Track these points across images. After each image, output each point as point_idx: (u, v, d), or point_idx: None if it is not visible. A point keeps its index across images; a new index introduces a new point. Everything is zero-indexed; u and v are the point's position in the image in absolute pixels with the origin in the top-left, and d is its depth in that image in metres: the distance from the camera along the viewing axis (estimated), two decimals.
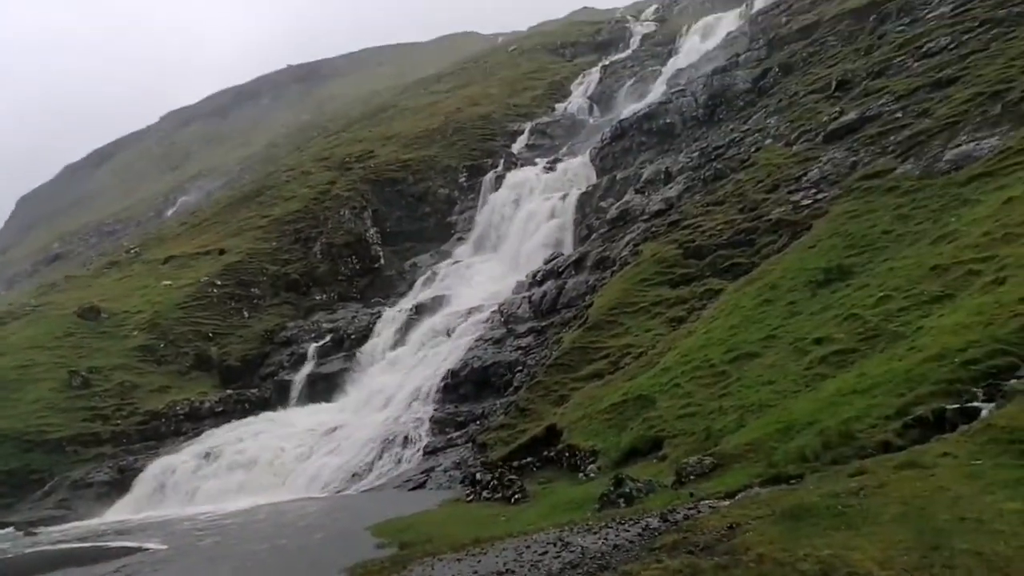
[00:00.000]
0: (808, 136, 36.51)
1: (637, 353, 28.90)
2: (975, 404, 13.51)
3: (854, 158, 32.19)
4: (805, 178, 33.23)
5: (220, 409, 43.89)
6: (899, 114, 32.87)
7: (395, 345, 43.61)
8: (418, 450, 32.19)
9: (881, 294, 21.39)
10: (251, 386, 46.43)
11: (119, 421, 42.55)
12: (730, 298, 28.17)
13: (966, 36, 34.75)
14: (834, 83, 39.21)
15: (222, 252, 57.56)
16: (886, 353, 18.15)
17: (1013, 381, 13.85)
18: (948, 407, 13.67)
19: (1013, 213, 21.34)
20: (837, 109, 36.67)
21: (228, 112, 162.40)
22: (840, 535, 9.40)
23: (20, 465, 38.81)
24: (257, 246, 57.64)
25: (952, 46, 34.78)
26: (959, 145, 28.20)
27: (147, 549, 23.87)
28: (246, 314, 52.33)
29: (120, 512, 35.27)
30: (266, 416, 41.48)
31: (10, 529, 34.09)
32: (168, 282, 54.92)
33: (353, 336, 46.54)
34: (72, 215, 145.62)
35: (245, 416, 42.50)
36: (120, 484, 37.49)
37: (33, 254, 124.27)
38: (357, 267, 57.40)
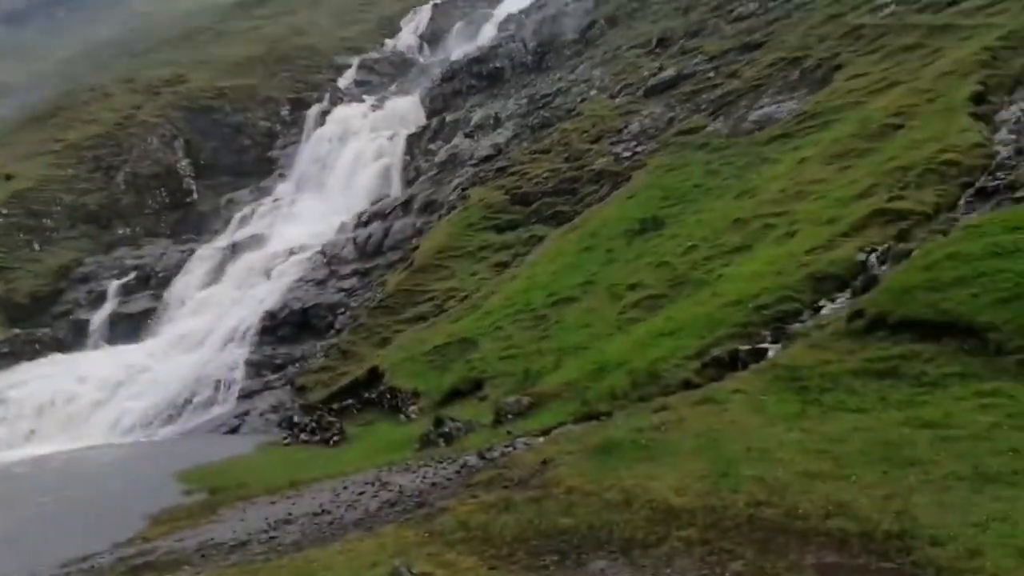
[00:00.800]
0: (630, 90, 37.77)
1: (462, 297, 29.17)
2: (764, 345, 14.75)
3: (671, 114, 33.75)
4: (626, 130, 34.47)
5: (6, 350, 39.86)
6: (711, 74, 34.73)
7: (208, 284, 41.40)
8: (232, 393, 30.99)
9: (689, 244, 22.77)
10: (42, 325, 42.51)
11: None
12: (553, 244, 28.95)
13: (771, 3, 37.09)
14: (655, 40, 40.71)
15: (8, 177, 51.79)
16: (691, 299, 19.39)
17: (796, 325, 15.23)
18: (741, 348, 14.84)
19: (805, 172, 23.26)
20: (657, 65, 38.17)
21: (21, 20, 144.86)
22: (643, 467, 10.00)
23: None
24: (51, 172, 52.33)
25: (760, 12, 37.05)
26: (762, 107, 30.27)
27: None
28: (37, 247, 47.61)
29: None
30: (60, 358, 38.28)
31: None
32: None
33: (161, 274, 43.70)
34: None
35: (36, 358, 38.95)
36: None
37: None
38: (167, 201, 53.51)
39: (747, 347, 14.85)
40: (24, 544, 14.68)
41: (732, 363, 14.56)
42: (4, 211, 48.45)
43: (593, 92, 40.10)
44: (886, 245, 16.11)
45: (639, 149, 32.69)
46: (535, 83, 46.49)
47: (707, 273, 20.72)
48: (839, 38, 31.22)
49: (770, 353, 14.15)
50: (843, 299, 15.33)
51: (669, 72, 36.65)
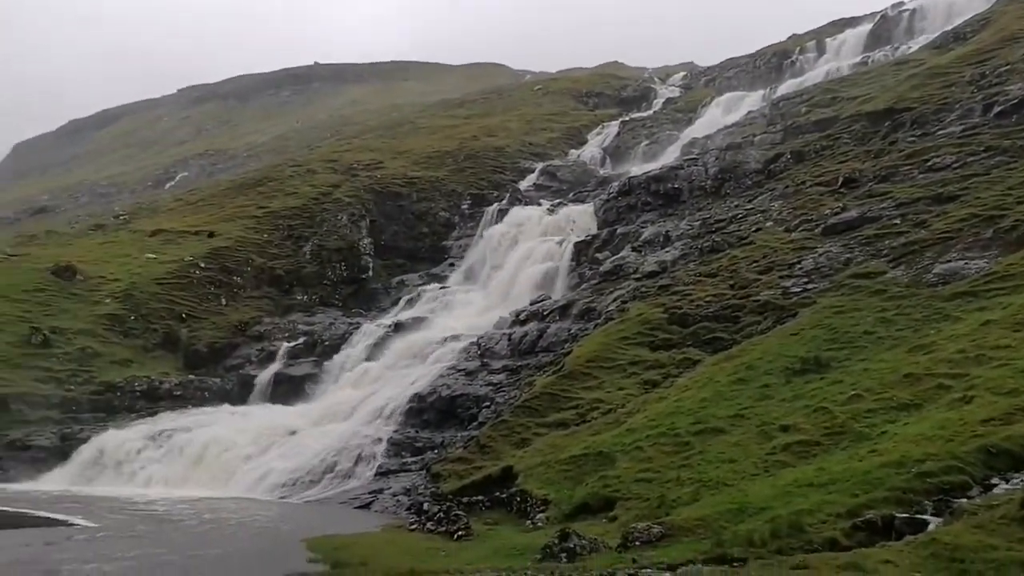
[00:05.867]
0: (808, 226, 36.90)
1: (606, 409, 28.77)
2: (924, 516, 13.52)
3: (848, 255, 32.56)
4: (799, 266, 33.52)
5: (179, 393, 43.19)
6: (897, 220, 33.37)
7: (367, 359, 43.27)
8: (371, 469, 31.77)
9: (853, 392, 21.49)
10: (215, 375, 45.82)
11: (72, 387, 41.63)
12: (706, 370, 28.18)
13: (971, 158, 35.59)
14: (841, 179, 39.78)
15: (211, 235, 57.20)
16: (848, 451, 18.17)
17: (963, 500, 13.89)
18: (898, 515, 13.66)
19: (989, 336, 21.61)
20: (840, 205, 37.15)
21: (247, 97, 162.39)
22: None
23: None
24: (248, 235, 57.33)
25: (956, 165, 35.54)
26: (949, 261, 28.65)
27: (74, 524, 23.29)
28: (223, 301, 51.82)
29: (54, 481, 34.47)
30: (225, 409, 40.87)
31: None
32: (152, 255, 54.45)
33: (327, 343, 46.18)
34: (67, 171, 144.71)
35: (203, 405, 41.84)
36: (60, 452, 36.64)
37: (19, 202, 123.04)
38: (344, 274, 57.10)
39: (904, 515, 13.65)
40: None
41: (886, 530, 13.38)
42: (202, 264, 53.26)
43: (769, 223, 39.48)
44: None
45: (810, 286, 31.61)
46: (711, 208, 46.40)
47: (869, 427, 19.40)
48: None
49: (930, 526, 12.93)
50: (1019, 480, 13.90)
51: (852, 213, 35.56)
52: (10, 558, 17.48)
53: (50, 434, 37.81)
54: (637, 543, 16.28)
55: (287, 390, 43.35)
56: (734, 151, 51.01)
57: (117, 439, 36.59)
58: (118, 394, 42.12)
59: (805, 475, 17.22)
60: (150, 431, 36.97)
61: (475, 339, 40.21)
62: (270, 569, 16.31)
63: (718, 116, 68.00)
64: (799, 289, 31.74)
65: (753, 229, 39.53)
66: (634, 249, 44.54)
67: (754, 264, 35.39)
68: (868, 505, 14.44)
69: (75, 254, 54.79)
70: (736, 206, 44.37)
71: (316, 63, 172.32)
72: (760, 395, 24.03)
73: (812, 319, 28.30)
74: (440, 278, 55.17)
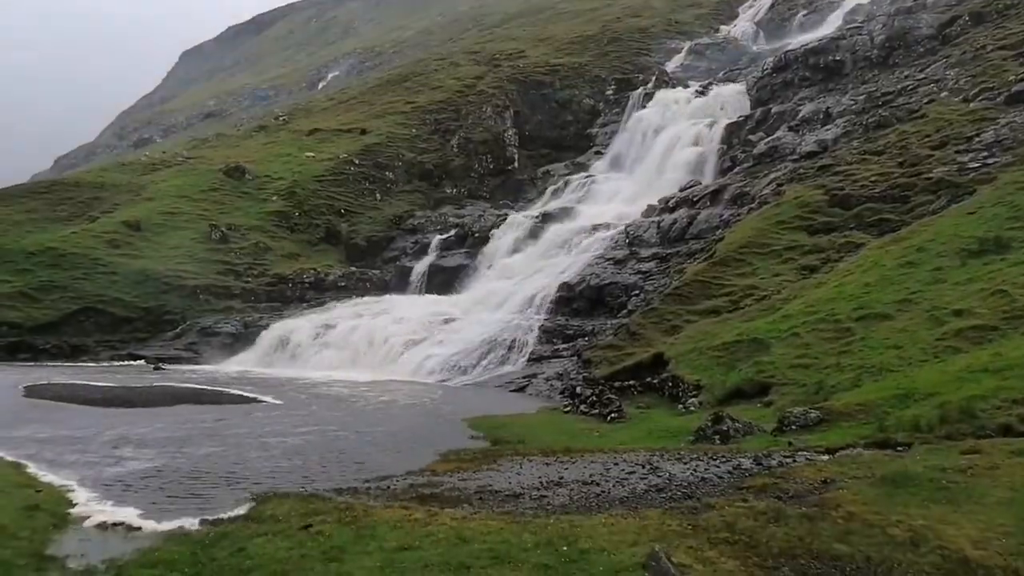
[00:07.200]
0: (989, 94, 33.55)
1: (760, 296, 28.09)
2: None
3: None
4: (977, 139, 30.72)
5: (343, 284, 45.88)
6: None
7: (516, 250, 44.00)
8: (524, 355, 32.75)
9: None
10: (374, 267, 48.17)
11: (250, 279, 45.18)
12: (871, 254, 26.77)
13: None
14: None
15: (363, 132, 58.99)
16: None
17: None
18: None
19: None
20: None
21: None
22: (938, 508, 9.08)
23: (156, 305, 41.89)
24: (397, 131, 58.72)
25: None
26: None
27: (262, 401, 25.64)
28: (378, 196, 53.88)
29: (241, 364, 37.87)
30: (386, 298, 43.04)
31: (141, 362, 37.36)
32: (311, 154, 56.97)
33: (477, 234, 47.23)
34: (229, 76, 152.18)
35: (365, 295, 44.22)
36: (244, 338, 40.07)
37: (189, 107, 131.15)
38: (491, 166, 57.72)
39: None
40: (340, 455, 16.88)
41: None
42: (356, 161, 55.28)
43: (944, 94, 36.15)
44: None
45: (990, 161, 28.96)
46: (877, 80, 42.95)
47: None
48: None
49: None
50: None
51: None
52: (215, 428, 19.60)
53: (235, 322, 41.41)
54: (793, 427, 16.13)
55: (441, 280, 45.01)
56: (904, 16, 46.56)
57: (292, 327, 39.51)
58: (289, 285, 45.31)
59: (979, 360, 16.28)
60: (320, 320, 39.61)
61: (623, 227, 39.91)
62: (436, 443, 17.43)
63: None
64: (978, 164, 29.18)
65: (925, 101, 36.38)
66: (791, 129, 42.20)
67: (926, 139, 32.72)
68: None
69: (242, 155, 58.22)
70: (906, 76, 40.84)
71: None
72: (931, 279, 22.64)
73: (992, 196, 26.04)
74: (586, 167, 54.62)
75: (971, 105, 33.59)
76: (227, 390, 28.04)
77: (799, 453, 13.32)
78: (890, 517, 8.88)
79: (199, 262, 45.22)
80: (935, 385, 15.68)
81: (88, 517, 11.80)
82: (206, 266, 45.03)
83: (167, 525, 11.14)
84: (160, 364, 35.82)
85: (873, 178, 31.93)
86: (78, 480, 14.04)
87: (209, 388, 28.68)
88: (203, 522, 11.15)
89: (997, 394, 14.11)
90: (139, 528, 11.25)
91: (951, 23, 43.32)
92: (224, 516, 11.39)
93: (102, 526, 11.42)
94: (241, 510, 11.66)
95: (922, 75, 39.79)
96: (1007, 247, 22.45)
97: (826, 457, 12.70)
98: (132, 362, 37.91)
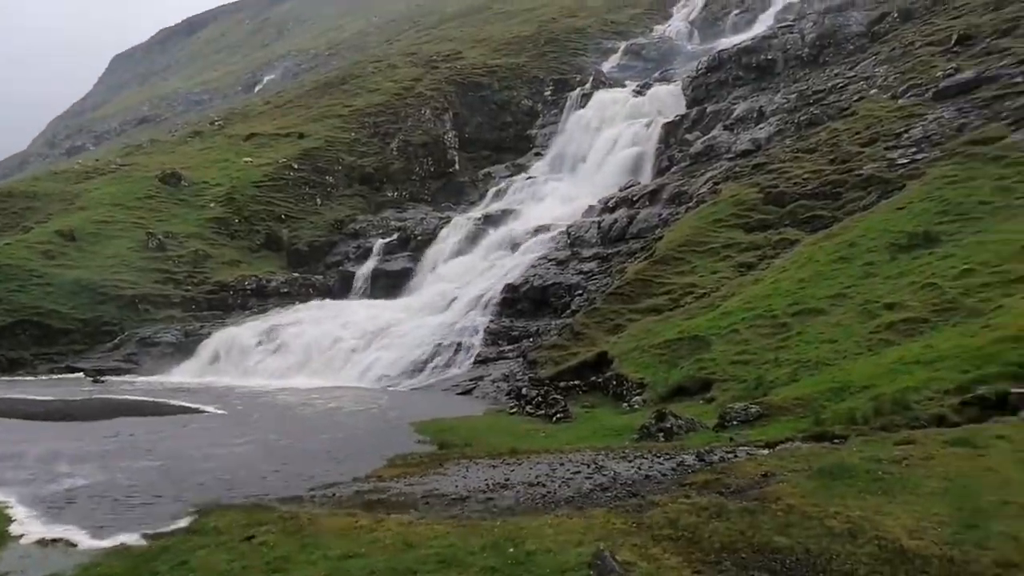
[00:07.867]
0: (917, 91, 34.63)
1: (700, 294, 28.54)
2: None
3: (963, 120, 30.50)
4: (906, 135, 31.69)
5: (286, 290, 45.20)
6: (1020, 79, 30.86)
7: (460, 252, 43.92)
8: (470, 358, 32.73)
9: (965, 267, 20.58)
10: (316, 272, 47.58)
11: (190, 287, 44.16)
12: (805, 250, 27.42)
13: None
14: (955, 36, 36.87)
15: (302, 136, 58.16)
16: (959, 328, 17.57)
17: None
18: (1013, 390, 13.22)
19: None
20: (953, 66, 34.58)
21: None
22: (874, 499, 9.31)
23: (94, 316, 40.72)
24: (336, 135, 58.03)
25: None
26: None
27: (205, 411, 25.10)
28: (319, 201, 53.17)
29: (183, 374, 37.02)
30: (329, 304, 42.54)
31: (80, 375, 36.25)
32: (248, 159, 55.94)
33: (420, 237, 47.00)
34: (162, 80, 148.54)
35: (308, 300, 43.67)
36: (185, 347, 39.17)
37: (122, 113, 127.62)
38: (431, 169, 57.49)
39: (1020, 389, 13.21)
40: (284, 464, 16.60)
41: (999, 405, 13.01)
42: (295, 166, 54.47)
43: (873, 91, 37.20)
44: None
45: (919, 156, 29.90)
46: (808, 78, 44.00)
47: (983, 302, 18.62)
48: None
49: None
50: None
51: (967, 74, 33.05)
52: (155, 440, 19.11)
53: (175, 331, 40.47)
54: (734, 423, 16.42)
55: (385, 284, 44.68)
56: (834, 14, 47.76)
57: (234, 335, 38.78)
58: (231, 292, 44.44)
59: (911, 352, 16.79)
60: (263, 327, 38.94)
61: (564, 228, 40.14)
62: (383, 449, 17.29)
63: None
64: (907, 160, 30.10)
65: (855, 98, 37.41)
66: (726, 128, 42.98)
67: (856, 136, 33.63)
68: (980, 380, 14.00)
69: (178, 161, 56.85)
70: (836, 75, 41.93)
71: None
72: (863, 273, 23.30)
73: (921, 191, 26.91)
74: (526, 168, 54.79)
75: (900, 102, 34.62)
76: (168, 401, 27.43)
77: (740, 448, 13.55)
78: (828, 509, 9.08)
79: (137, 271, 44.04)
80: (869, 378, 16.12)
81: (27, 534, 11.62)
82: (144, 275, 43.87)
83: (108, 540, 11.01)
84: (99, 376, 34.86)
85: (806, 176, 32.69)
86: (17, 497, 13.77)
87: (150, 399, 28.01)
88: (144, 536, 11.07)
89: (929, 385, 14.56)
90: (79, 544, 11.09)
91: (880, 20, 44.57)
92: (165, 530, 11.31)
93: (42, 543, 11.29)
94: (183, 523, 11.58)
95: (852, 73, 40.88)
96: (936, 241, 23.21)
97: (766, 451, 12.93)
98: (71, 375, 36.81)
